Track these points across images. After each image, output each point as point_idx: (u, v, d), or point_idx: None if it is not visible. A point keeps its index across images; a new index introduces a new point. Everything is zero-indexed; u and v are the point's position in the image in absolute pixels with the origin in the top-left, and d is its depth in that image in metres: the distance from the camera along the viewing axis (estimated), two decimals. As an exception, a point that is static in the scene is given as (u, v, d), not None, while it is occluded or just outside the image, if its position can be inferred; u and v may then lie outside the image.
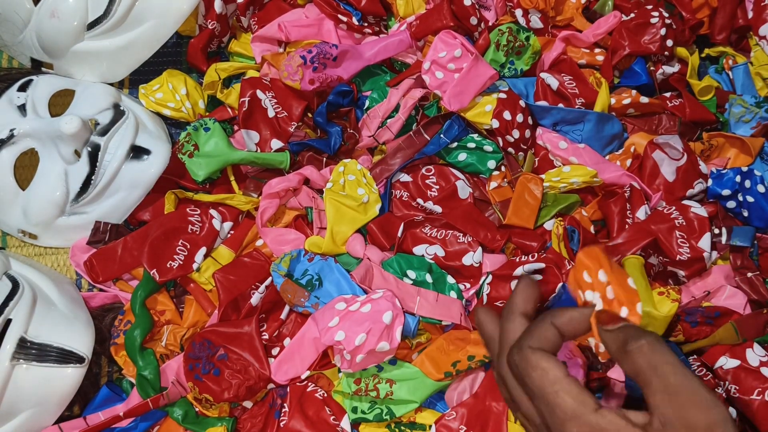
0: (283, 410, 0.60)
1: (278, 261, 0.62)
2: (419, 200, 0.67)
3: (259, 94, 0.70)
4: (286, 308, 0.63)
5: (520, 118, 0.68)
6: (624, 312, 0.37)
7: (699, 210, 0.64)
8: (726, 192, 0.66)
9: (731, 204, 0.66)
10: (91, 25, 0.68)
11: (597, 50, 0.75)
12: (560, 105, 0.69)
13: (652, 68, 0.73)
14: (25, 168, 0.67)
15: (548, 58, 0.74)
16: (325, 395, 0.60)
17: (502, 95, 0.68)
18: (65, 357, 0.58)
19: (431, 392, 0.59)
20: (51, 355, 0.57)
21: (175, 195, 0.68)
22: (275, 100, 0.70)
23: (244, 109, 0.69)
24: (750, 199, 0.65)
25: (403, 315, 0.58)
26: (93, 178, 0.64)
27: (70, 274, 0.69)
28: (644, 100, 0.71)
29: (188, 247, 0.64)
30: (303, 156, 0.69)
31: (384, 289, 0.60)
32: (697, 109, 0.71)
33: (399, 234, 0.64)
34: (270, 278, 0.62)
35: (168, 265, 0.63)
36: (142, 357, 0.61)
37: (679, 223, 0.63)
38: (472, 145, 0.68)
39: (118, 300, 0.66)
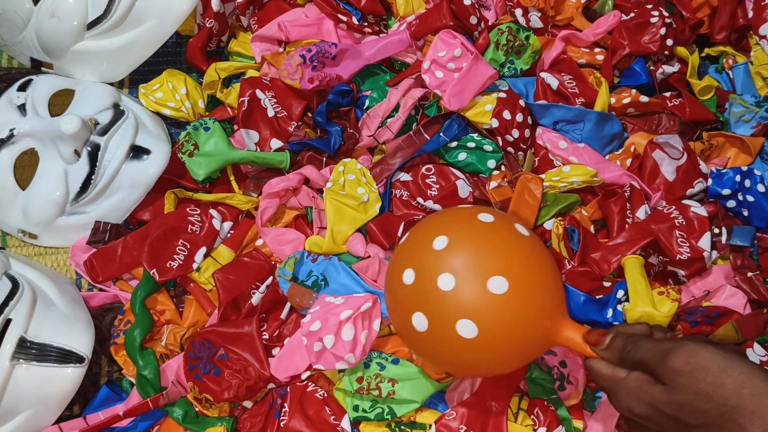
0: (283, 410, 0.60)
1: (282, 265, 0.62)
2: (419, 199, 0.67)
3: (259, 93, 0.70)
4: (286, 308, 0.63)
5: (519, 117, 0.68)
6: None
7: (699, 209, 0.64)
8: (726, 191, 0.66)
9: (731, 203, 0.66)
10: (91, 25, 0.68)
11: (597, 50, 0.75)
12: (560, 104, 0.69)
13: (652, 68, 0.73)
14: (25, 168, 0.67)
15: (548, 58, 0.74)
16: (326, 395, 0.60)
17: (502, 95, 0.68)
18: (65, 357, 0.58)
19: (433, 392, 0.59)
20: (51, 355, 0.57)
21: (175, 195, 0.68)
22: (275, 100, 0.70)
23: (243, 108, 0.69)
24: (750, 198, 0.65)
25: (379, 306, 0.59)
26: (93, 177, 0.64)
27: (70, 274, 0.69)
28: (644, 99, 0.71)
29: (188, 246, 0.64)
30: (303, 156, 0.69)
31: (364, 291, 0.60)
32: (697, 108, 0.71)
33: (399, 233, 0.64)
34: (270, 278, 0.63)
35: (168, 265, 0.63)
36: (142, 357, 0.61)
37: (679, 222, 0.63)
38: (471, 144, 0.68)
39: (118, 300, 0.66)
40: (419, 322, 0.40)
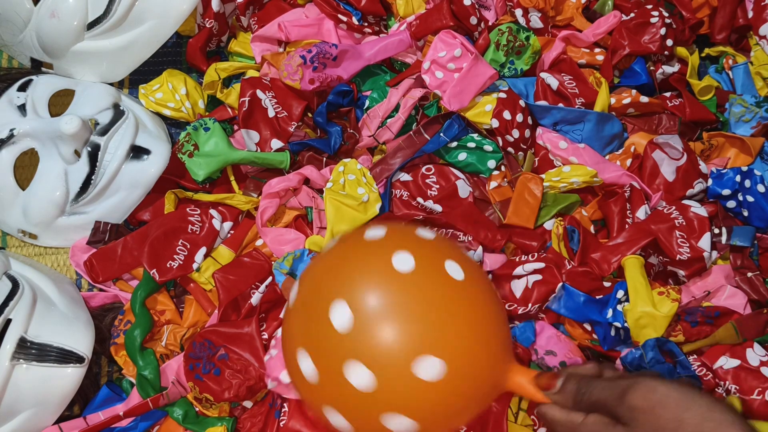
0: (283, 410, 0.60)
1: (281, 260, 0.62)
2: (419, 199, 0.67)
3: (259, 93, 0.70)
4: (286, 307, 0.63)
5: (519, 117, 0.68)
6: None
7: (699, 210, 0.64)
8: (726, 192, 0.66)
9: (731, 204, 0.66)
10: (91, 25, 0.68)
11: (597, 50, 0.75)
12: (560, 105, 0.69)
13: (652, 68, 0.73)
14: (25, 168, 0.67)
15: (548, 58, 0.74)
16: (325, 395, 0.60)
17: (502, 95, 0.68)
18: (65, 357, 0.58)
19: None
20: (51, 355, 0.57)
21: (175, 195, 0.68)
22: (275, 100, 0.70)
23: (244, 108, 0.69)
24: (750, 198, 0.65)
25: None
26: (93, 178, 0.64)
27: (70, 274, 0.69)
28: (644, 99, 0.71)
29: (188, 247, 0.64)
30: (303, 156, 0.69)
31: None
32: (697, 108, 0.71)
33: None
34: (270, 278, 0.63)
35: (168, 265, 0.63)
36: (142, 357, 0.61)
37: (679, 222, 0.63)
38: (472, 144, 0.68)
39: (118, 300, 0.66)
40: (337, 421, 0.30)
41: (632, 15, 0.74)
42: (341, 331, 0.29)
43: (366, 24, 0.75)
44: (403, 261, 0.29)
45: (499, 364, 0.36)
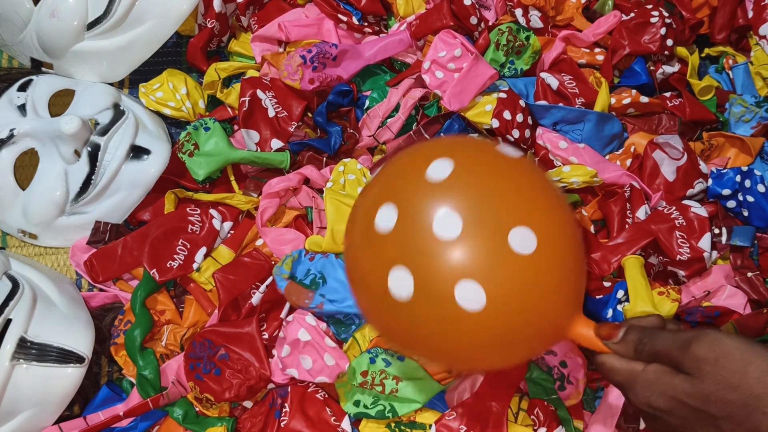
0: (284, 410, 0.60)
1: (280, 264, 0.62)
2: (419, 200, 0.67)
3: (259, 93, 0.70)
4: (286, 308, 0.63)
5: (520, 117, 0.68)
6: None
7: (699, 210, 0.64)
8: (726, 192, 0.66)
9: (731, 204, 0.66)
10: (91, 25, 0.68)
11: (597, 50, 0.75)
12: (560, 104, 0.69)
13: (652, 68, 0.73)
14: (25, 168, 0.67)
15: (548, 58, 0.74)
16: (326, 396, 0.60)
17: (502, 95, 0.68)
18: (65, 357, 0.58)
19: (435, 393, 0.59)
20: (51, 355, 0.57)
21: (175, 195, 0.68)
22: (275, 100, 0.71)
23: (244, 108, 0.69)
24: (750, 198, 0.65)
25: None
26: (93, 177, 0.64)
27: (70, 274, 0.69)
28: (644, 99, 0.71)
29: (188, 246, 0.64)
30: (303, 156, 0.70)
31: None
32: (697, 108, 0.71)
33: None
34: (270, 278, 0.63)
35: (168, 265, 0.63)
36: (142, 357, 0.61)
37: (679, 223, 0.63)
38: (472, 144, 0.68)
39: (118, 300, 0.66)
40: (400, 282, 0.28)
41: (632, 15, 0.74)
42: (434, 179, 0.27)
43: (366, 24, 0.75)
44: (509, 150, 0.27)
45: (566, 308, 0.36)
